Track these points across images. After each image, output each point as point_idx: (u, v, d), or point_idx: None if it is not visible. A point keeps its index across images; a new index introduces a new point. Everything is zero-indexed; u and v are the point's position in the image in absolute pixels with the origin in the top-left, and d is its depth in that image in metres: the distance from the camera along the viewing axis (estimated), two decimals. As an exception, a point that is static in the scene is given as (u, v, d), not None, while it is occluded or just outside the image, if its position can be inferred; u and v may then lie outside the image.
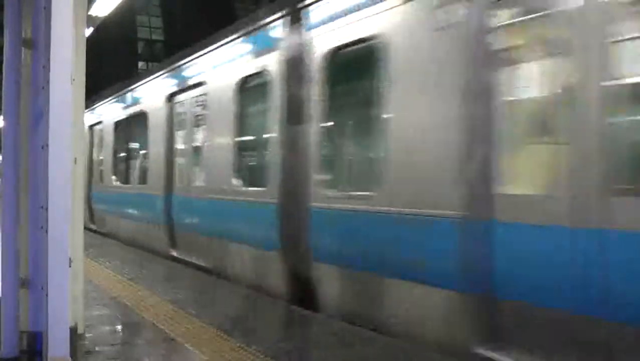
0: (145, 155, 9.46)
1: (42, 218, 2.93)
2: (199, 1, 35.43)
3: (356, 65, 4.89)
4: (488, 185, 3.53)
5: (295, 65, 5.26)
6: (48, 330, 2.83)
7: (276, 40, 5.66)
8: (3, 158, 3.26)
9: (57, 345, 2.84)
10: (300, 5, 5.29)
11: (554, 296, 3.17)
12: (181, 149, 8.27)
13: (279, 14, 5.65)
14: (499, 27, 3.57)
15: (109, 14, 8.61)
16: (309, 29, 5.14)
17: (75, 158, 3.44)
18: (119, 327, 4.51)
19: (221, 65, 6.89)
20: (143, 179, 9.48)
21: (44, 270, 2.88)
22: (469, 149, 3.61)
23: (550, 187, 3.39)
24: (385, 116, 4.29)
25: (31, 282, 3.12)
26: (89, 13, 7.78)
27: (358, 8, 4.54)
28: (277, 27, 5.68)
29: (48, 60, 2.86)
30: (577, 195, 3.10)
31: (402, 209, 4.05)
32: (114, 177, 11.16)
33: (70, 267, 3.00)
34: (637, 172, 3.04)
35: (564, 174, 3.23)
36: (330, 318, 4.64)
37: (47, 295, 2.83)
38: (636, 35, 3.02)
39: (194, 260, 7.34)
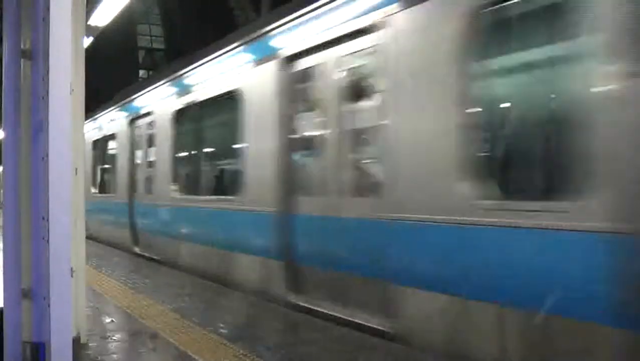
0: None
1: (43, 228, 2.93)
2: (198, 9, 35.56)
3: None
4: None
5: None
6: (51, 340, 2.82)
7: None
8: (4, 169, 3.26)
9: (60, 355, 2.83)
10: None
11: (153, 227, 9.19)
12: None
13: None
14: None
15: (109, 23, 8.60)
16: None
17: (76, 169, 3.45)
18: (122, 336, 4.51)
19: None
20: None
21: (46, 280, 2.88)
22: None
23: None
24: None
25: (33, 293, 3.12)
26: (88, 23, 7.81)
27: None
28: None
29: (47, 71, 2.87)
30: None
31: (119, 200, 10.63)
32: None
33: (72, 277, 3.00)
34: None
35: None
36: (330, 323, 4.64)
37: (49, 306, 2.83)
38: None
39: None
